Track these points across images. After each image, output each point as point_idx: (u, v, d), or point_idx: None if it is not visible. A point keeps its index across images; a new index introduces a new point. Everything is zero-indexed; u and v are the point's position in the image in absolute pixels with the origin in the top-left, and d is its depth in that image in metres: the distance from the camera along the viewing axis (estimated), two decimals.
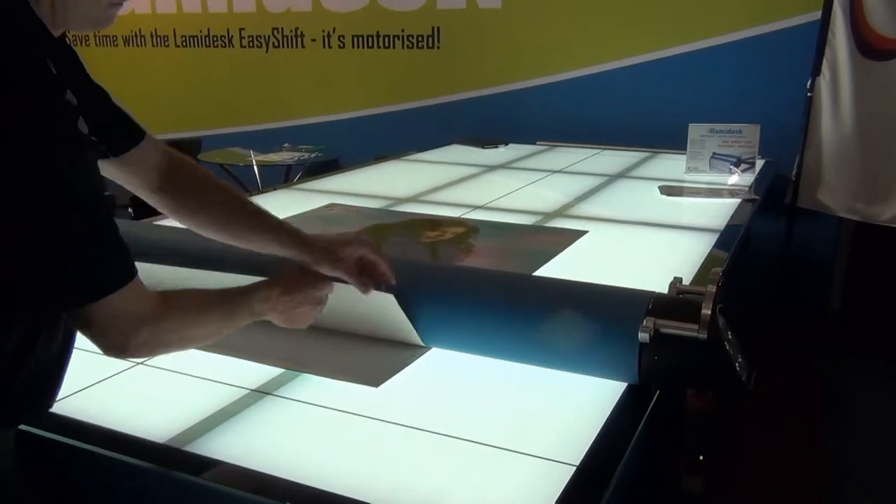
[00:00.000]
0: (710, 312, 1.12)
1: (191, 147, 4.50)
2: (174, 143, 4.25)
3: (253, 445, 1.04)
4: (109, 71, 4.73)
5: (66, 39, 0.99)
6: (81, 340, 1.18)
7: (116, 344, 0.88)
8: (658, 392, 1.17)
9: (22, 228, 0.78)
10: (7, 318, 0.87)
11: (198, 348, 1.01)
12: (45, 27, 0.88)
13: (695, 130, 2.96)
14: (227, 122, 5.10)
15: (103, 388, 1.22)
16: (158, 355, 0.95)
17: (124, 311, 0.85)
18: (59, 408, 1.11)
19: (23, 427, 1.05)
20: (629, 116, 3.85)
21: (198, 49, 5.13)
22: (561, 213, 2.28)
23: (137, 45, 5.30)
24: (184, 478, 0.98)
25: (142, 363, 1.28)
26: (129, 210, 3.88)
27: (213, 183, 1.19)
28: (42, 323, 0.91)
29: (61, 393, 1.12)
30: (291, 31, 4.81)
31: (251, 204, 1.19)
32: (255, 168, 4.17)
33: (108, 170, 1.08)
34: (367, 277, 1.19)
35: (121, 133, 1.10)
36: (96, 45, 5.43)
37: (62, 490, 1.07)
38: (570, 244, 1.91)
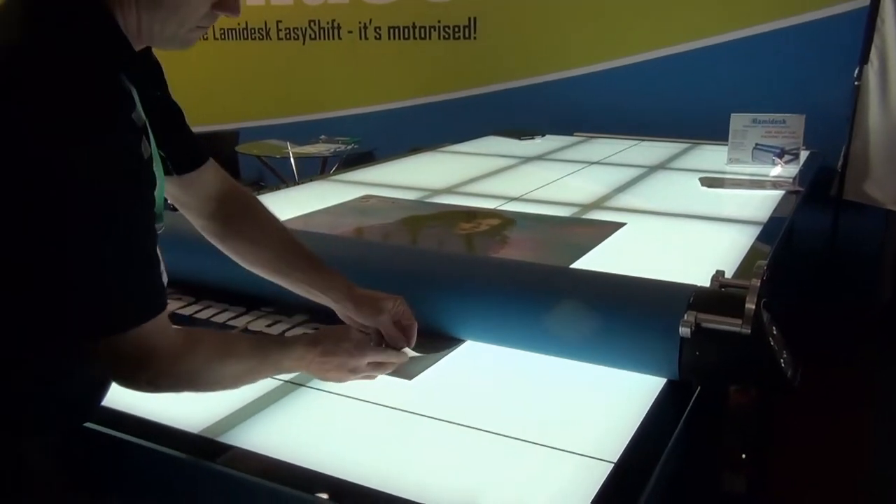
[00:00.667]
0: (754, 307, 1.09)
1: (229, 139, 4.53)
2: (212, 135, 4.30)
3: (286, 437, 1.04)
4: None
5: (152, 54, 1.00)
6: None
7: (126, 374, 0.87)
8: (699, 388, 1.15)
9: (64, 251, 0.79)
10: (43, 336, 0.87)
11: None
12: (128, 42, 0.88)
13: (737, 121, 2.89)
14: (265, 114, 5.14)
15: None
16: (169, 392, 0.92)
17: (142, 343, 0.84)
18: None
19: None
20: (669, 107, 3.78)
21: (235, 42, 5.17)
22: (598, 204, 2.25)
23: None
24: (217, 468, 0.98)
25: None
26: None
27: (266, 217, 1.19)
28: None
29: None
30: (328, 22, 4.82)
31: (303, 244, 1.18)
32: (292, 160, 4.20)
33: (168, 188, 1.09)
34: (401, 336, 1.17)
35: (186, 154, 1.11)
36: None
37: (97, 478, 1.07)
38: (607, 236, 1.88)
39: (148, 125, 0.92)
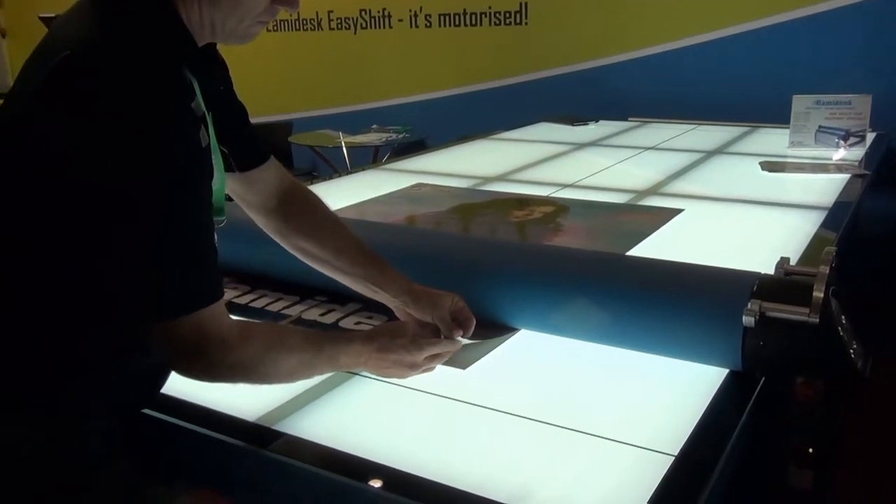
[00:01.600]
0: (822, 295, 1.05)
1: (282, 130, 4.59)
2: (266, 126, 4.36)
3: (340, 425, 1.04)
4: None
5: (218, 52, 1.02)
6: None
7: (181, 362, 0.89)
8: (763, 379, 1.11)
9: (124, 236, 0.82)
10: (102, 321, 0.89)
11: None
12: (190, 36, 0.90)
13: (799, 102, 2.80)
14: (317, 104, 5.18)
15: None
16: (224, 382, 0.94)
17: (198, 333, 0.86)
18: None
19: None
20: (727, 89, 3.69)
21: (288, 33, 5.22)
22: (654, 191, 2.21)
23: None
24: (271, 456, 0.98)
25: None
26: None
27: (326, 214, 1.21)
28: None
29: None
30: (379, 11, 4.83)
31: (362, 240, 1.20)
32: (344, 149, 4.22)
33: (230, 185, 1.11)
34: (459, 329, 1.17)
35: (249, 151, 1.13)
36: None
37: (156, 465, 1.09)
38: (664, 223, 1.84)
39: (208, 117, 0.94)
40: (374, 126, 4.59)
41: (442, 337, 1.15)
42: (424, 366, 1.09)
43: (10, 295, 0.88)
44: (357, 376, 1.17)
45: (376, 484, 0.90)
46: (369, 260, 1.19)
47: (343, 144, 4.23)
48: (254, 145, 1.14)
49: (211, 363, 0.89)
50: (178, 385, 1.14)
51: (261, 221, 1.19)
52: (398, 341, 1.07)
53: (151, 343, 0.87)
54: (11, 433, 0.88)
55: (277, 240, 1.20)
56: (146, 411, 1.07)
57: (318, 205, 1.21)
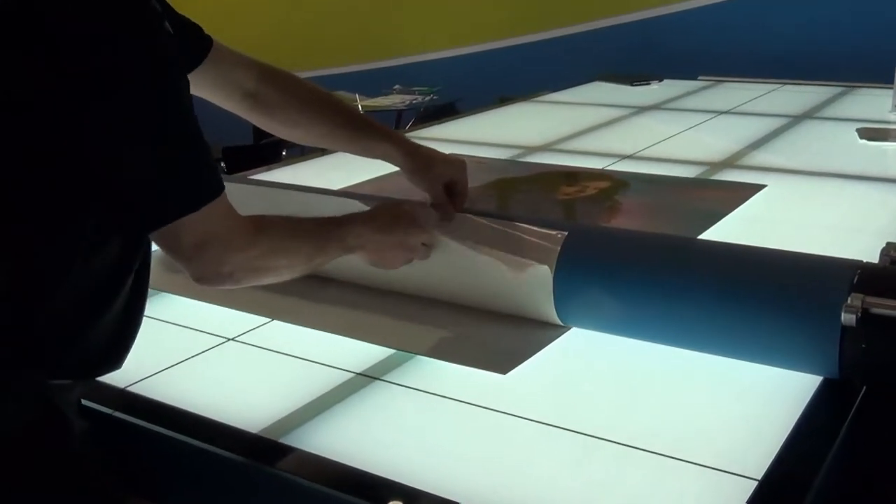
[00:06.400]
0: None
1: None
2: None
3: (356, 438, 1.04)
4: (197, 8, 4.88)
5: None
6: (160, 312, 1.22)
7: (206, 270, 0.99)
8: (865, 389, 1.10)
9: (122, 139, 0.90)
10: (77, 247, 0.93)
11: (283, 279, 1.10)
12: None
13: None
14: (330, 61, 5.20)
15: (189, 368, 1.25)
16: (248, 284, 1.05)
17: (213, 233, 0.96)
18: (140, 388, 1.16)
19: (102, 409, 1.11)
20: (818, 43, 3.64)
21: None
22: (731, 163, 2.21)
23: None
24: (277, 473, 0.99)
25: (232, 339, 1.31)
26: (222, 164, 4.03)
27: (309, 84, 1.34)
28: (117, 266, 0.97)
29: (143, 373, 1.18)
30: None
31: (350, 108, 1.35)
32: None
33: (198, 84, 1.16)
34: (448, 201, 1.34)
35: (195, 40, 1.20)
36: None
37: (143, 479, 1.11)
38: (743, 201, 1.84)
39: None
40: (397, 87, 4.60)
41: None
42: (421, 252, 1.26)
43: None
44: (377, 381, 1.18)
45: None
46: (362, 129, 1.34)
47: (361, 108, 4.24)
48: (195, 33, 1.20)
49: (235, 269, 1.00)
50: (168, 391, 1.16)
51: (244, 107, 1.29)
52: (397, 221, 1.22)
53: (172, 254, 0.96)
54: None
55: (263, 123, 1.32)
56: (129, 418, 1.08)
57: (298, 78, 1.34)
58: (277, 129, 1.33)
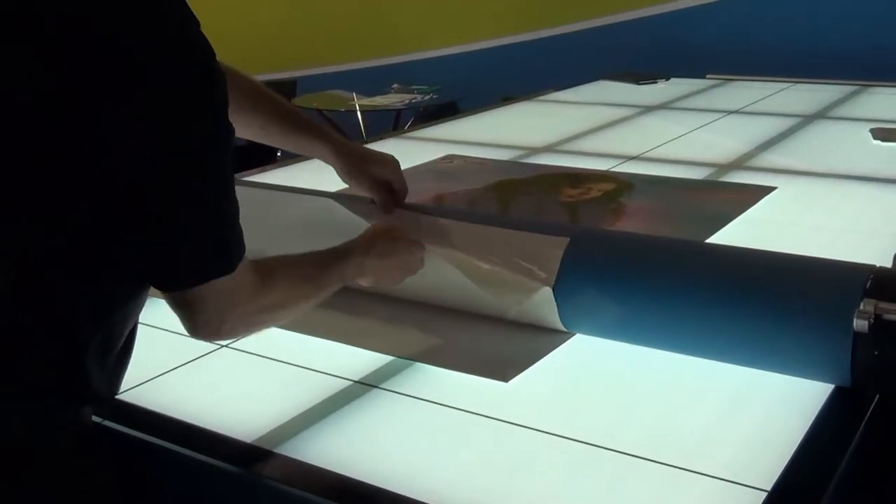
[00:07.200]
0: None
1: (285, 90, 4.61)
2: (265, 84, 4.37)
3: (356, 448, 1.04)
4: (196, 7, 4.87)
5: None
6: (152, 318, 1.20)
7: (209, 325, 0.96)
8: (878, 398, 1.10)
9: (166, 199, 0.89)
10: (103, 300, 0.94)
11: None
12: None
13: None
14: (327, 59, 5.20)
15: (182, 375, 1.25)
16: (241, 338, 1.04)
17: (225, 290, 0.94)
18: (131, 396, 1.16)
19: (92, 418, 1.10)
20: (831, 40, 3.64)
21: None
22: (739, 164, 2.21)
23: None
24: (274, 485, 0.99)
25: (226, 346, 1.31)
26: None
27: (244, 84, 1.32)
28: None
29: (135, 380, 1.18)
30: None
31: (286, 105, 1.35)
32: (359, 114, 4.24)
33: None
34: (390, 199, 1.39)
35: None
36: None
37: (135, 490, 1.10)
38: (752, 204, 1.84)
39: None
40: (396, 85, 4.60)
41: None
42: (418, 267, 1.26)
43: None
44: (375, 389, 1.18)
45: None
46: (295, 126, 1.35)
47: (358, 108, 4.25)
48: None
49: (237, 324, 0.99)
50: (161, 399, 1.17)
51: None
52: (398, 243, 1.23)
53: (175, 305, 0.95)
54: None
55: None
56: (120, 427, 1.08)
57: (234, 71, 1.32)
58: None
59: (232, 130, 0.96)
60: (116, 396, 1.14)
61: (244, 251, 0.96)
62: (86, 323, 0.93)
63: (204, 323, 0.95)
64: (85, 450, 0.99)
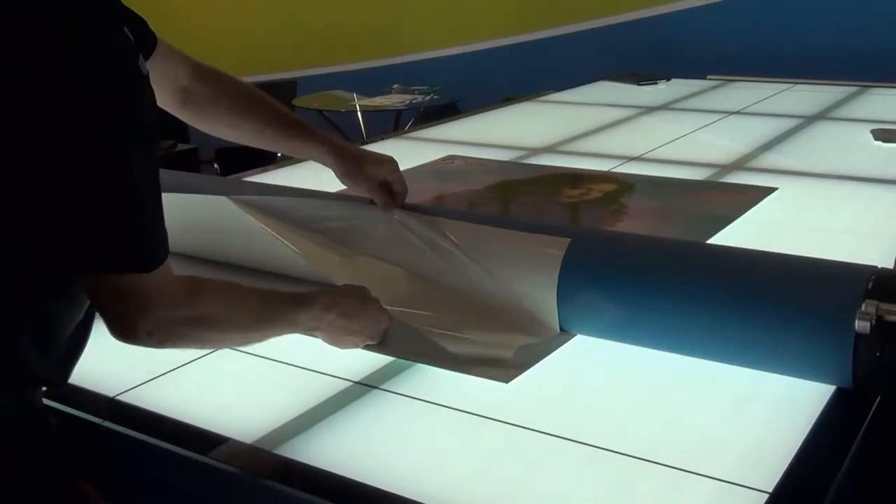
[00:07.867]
0: None
1: (284, 90, 4.60)
2: (265, 85, 4.37)
3: (356, 450, 1.04)
4: (196, 7, 4.90)
5: None
6: None
7: (124, 324, 0.95)
8: (879, 399, 1.10)
9: (92, 190, 0.89)
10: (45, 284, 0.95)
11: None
12: None
13: None
14: (327, 59, 5.20)
15: (181, 376, 1.25)
16: (171, 348, 1.01)
17: (141, 289, 0.93)
18: (131, 397, 1.16)
19: (91, 418, 1.12)
20: (832, 41, 3.64)
21: None
22: (741, 165, 2.21)
23: None
24: (273, 486, 0.99)
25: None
26: (215, 165, 4.03)
27: (241, 83, 1.36)
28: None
29: (133, 381, 1.19)
30: None
31: (281, 108, 1.37)
32: (359, 114, 4.24)
33: None
34: (390, 198, 1.40)
35: (143, 36, 1.16)
36: None
37: (134, 491, 1.11)
38: (753, 205, 1.84)
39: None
40: (396, 86, 4.59)
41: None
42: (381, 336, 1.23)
43: None
44: (376, 389, 1.18)
45: None
46: (291, 130, 1.36)
47: (358, 108, 4.24)
48: (142, 24, 1.18)
49: (154, 329, 0.95)
50: (160, 400, 1.16)
51: (174, 103, 1.29)
52: (367, 307, 1.21)
53: (92, 299, 0.96)
54: None
55: (194, 120, 1.33)
56: (118, 428, 1.08)
57: (230, 76, 1.36)
58: (208, 126, 1.34)
59: (153, 133, 0.96)
60: (116, 397, 1.16)
61: (165, 256, 0.95)
62: (5, 302, 0.93)
63: (118, 318, 0.95)
64: (37, 432, 0.98)
